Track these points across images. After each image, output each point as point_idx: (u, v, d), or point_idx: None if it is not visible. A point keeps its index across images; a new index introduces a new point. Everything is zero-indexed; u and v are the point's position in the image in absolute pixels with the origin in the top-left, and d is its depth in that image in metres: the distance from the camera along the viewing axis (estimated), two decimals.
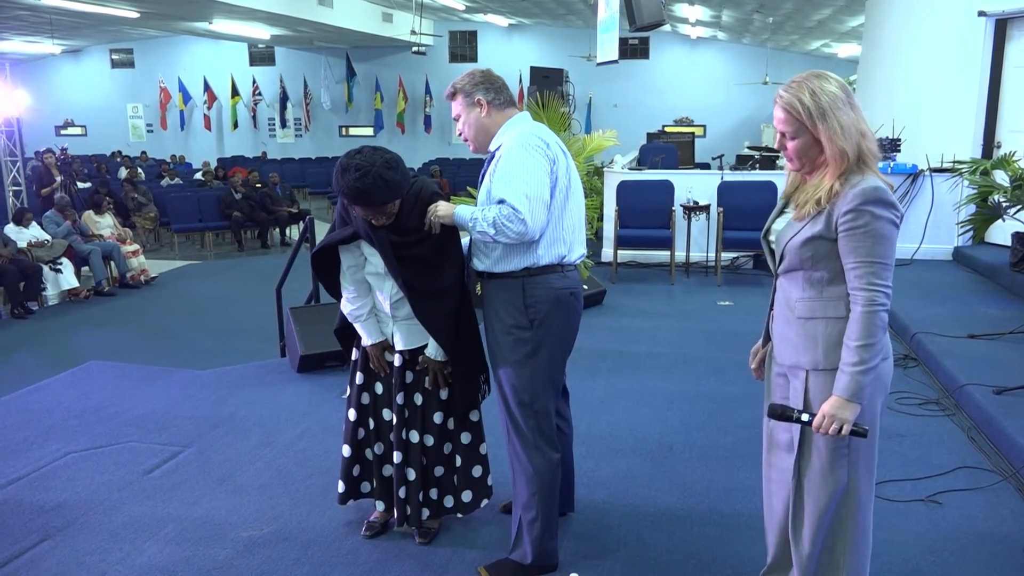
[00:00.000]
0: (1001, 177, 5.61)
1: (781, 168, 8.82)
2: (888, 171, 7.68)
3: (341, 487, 2.97)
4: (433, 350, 2.75)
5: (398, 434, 2.82)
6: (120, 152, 20.45)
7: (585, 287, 6.30)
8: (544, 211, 2.48)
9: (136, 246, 9.49)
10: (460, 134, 2.70)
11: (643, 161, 8.78)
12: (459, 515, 2.98)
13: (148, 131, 23.37)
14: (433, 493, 2.91)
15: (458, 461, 2.91)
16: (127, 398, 4.59)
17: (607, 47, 8.17)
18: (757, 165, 8.55)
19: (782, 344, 2.07)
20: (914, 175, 7.69)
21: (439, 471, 2.90)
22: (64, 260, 8.34)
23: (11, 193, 10.35)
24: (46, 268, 8.07)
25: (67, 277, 8.27)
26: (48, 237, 8.53)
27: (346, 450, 2.95)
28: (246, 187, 12.25)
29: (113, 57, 23.13)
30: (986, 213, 5.48)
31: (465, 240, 2.72)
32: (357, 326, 2.84)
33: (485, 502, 2.98)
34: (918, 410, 4.15)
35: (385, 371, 2.86)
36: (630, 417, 4.15)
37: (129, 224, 11.33)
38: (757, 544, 2.78)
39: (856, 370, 1.88)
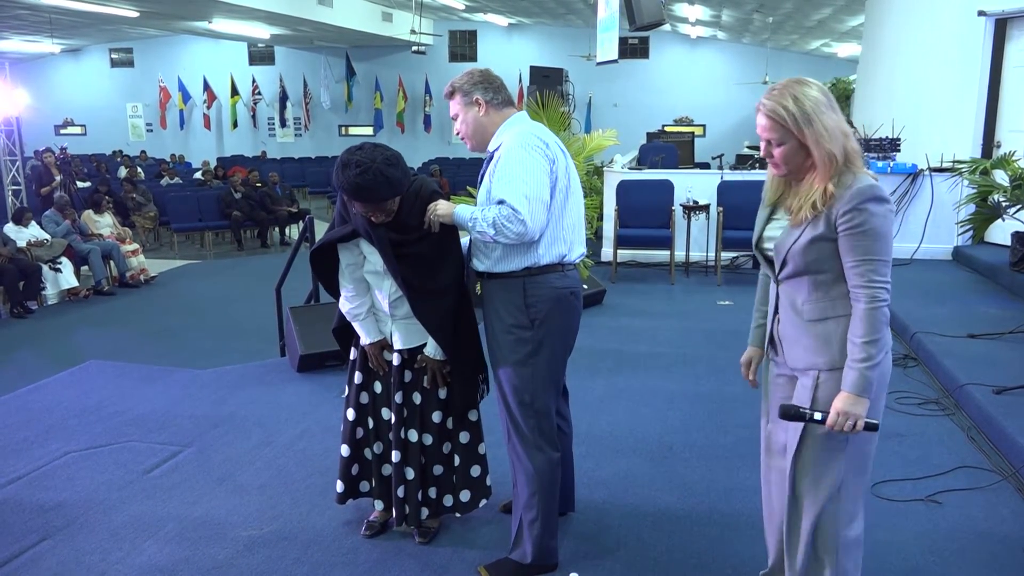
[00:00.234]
0: (1001, 177, 5.61)
1: None
2: (888, 171, 7.69)
3: (340, 487, 2.97)
4: (432, 349, 2.75)
5: (397, 433, 2.82)
6: (120, 151, 20.44)
7: (585, 287, 6.31)
8: (544, 212, 2.48)
9: (136, 245, 9.49)
10: (458, 133, 2.70)
11: (643, 161, 8.78)
12: (457, 514, 2.98)
13: (148, 130, 23.36)
14: (432, 492, 2.90)
15: (457, 460, 2.91)
16: (127, 398, 4.59)
17: (607, 47, 8.17)
18: (757, 165, 8.54)
19: (794, 349, 2.06)
20: (914, 175, 7.69)
21: (438, 470, 2.90)
22: (64, 259, 8.34)
23: (10, 192, 10.35)
24: (45, 267, 8.07)
25: (67, 276, 8.26)
26: (47, 236, 8.52)
27: (344, 450, 2.94)
28: (246, 186, 12.25)
29: (113, 56, 23.12)
30: (986, 213, 5.48)
31: (465, 240, 2.72)
32: (356, 325, 2.84)
33: (484, 502, 2.97)
34: (918, 410, 4.15)
35: (384, 370, 2.86)
36: (630, 417, 4.15)
37: (129, 223, 11.33)
38: (757, 544, 2.78)
39: (864, 366, 1.91)
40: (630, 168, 8.56)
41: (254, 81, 22.29)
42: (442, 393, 2.83)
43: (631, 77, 19.62)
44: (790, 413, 1.99)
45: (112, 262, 8.95)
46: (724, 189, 7.79)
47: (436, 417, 2.84)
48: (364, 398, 2.93)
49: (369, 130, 21.59)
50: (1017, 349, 4.68)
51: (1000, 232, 6.90)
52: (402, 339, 2.80)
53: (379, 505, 2.97)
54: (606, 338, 5.64)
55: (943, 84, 8.07)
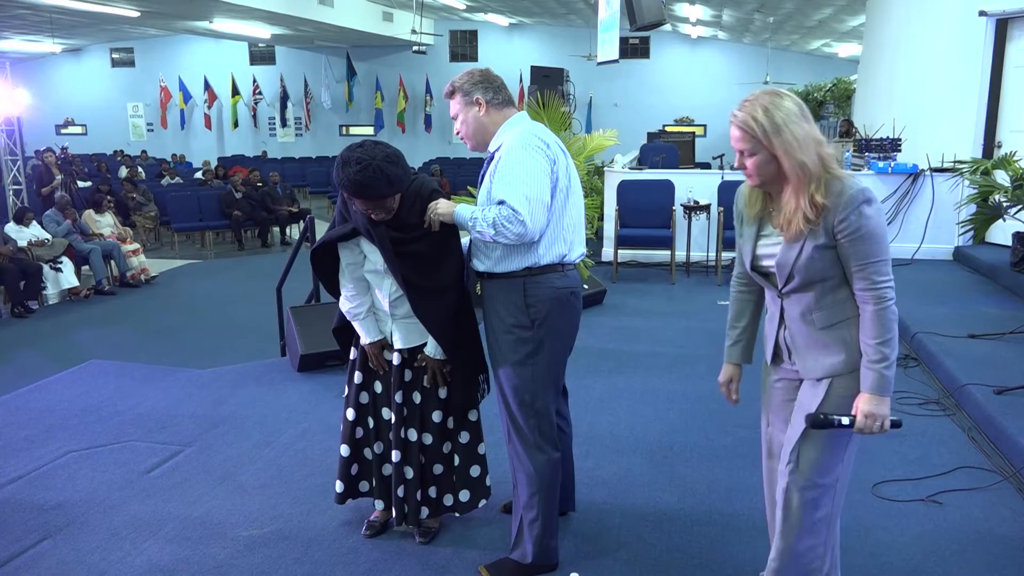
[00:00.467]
0: (1002, 177, 5.61)
1: None
2: (889, 171, 7.69)
3: (339, 487, 2.97)
4: (432, 348, 2.75)
5: (397, 433, 2.82)
6: (121, 151, 20.45)
7: (585, 287, 6.31)
8: (544, 212, 2.47)
9: (136, 245, 9.50)
10: (458, 133, 2.70)
11: (643, 161, 8.78)
12: (457, 514, 2.98)
13: (148, 130, 23.38)
14: (432, 491, 2.90)
15: (456, 460, 2.91)
16: (127, 397, 4.59)
17: (608, 46, 8.19)
18: None
19: (810, 358, 2.06)
20: (915, 175, 7.69)
21: (438, 469, 2.90)
22: (64, 259, 8.35)
23: (11, 192, 10.36)
24: (46, 267, 8.07)
25: (67, 276, 8.27)
26: (48, 236, 8.53)
27: (344, 449, 2.95)
28: (246, 186, 12.26)
29: (113, 56, 23.14)
30: (987, 213, 5.48)
31: (465, 240, 2.72)
32: (356, 324, 2.84)
33: (483, 502, 2.97)
34: (918, 410, 4.15)
35: (384, 370, 2.86)
36: (630, 416, 4.15)
37: (129, 223, 11.34)
38: (758, 544, 2.79)
39: (882, 366, 1.94)
40: (631, 168, 8.56)
41: (255, 81, 22.30)
42: (442, 393, 2.83)
43: (632, 77, 19.64)
44: (819, 422, 1.98)
45: (113, 262, 8.96)
46: (724, 189, 7.79)
47: (436, 417, 2.84)
48: (364, 398, 2.93)
49: (370, 130, 21.60)
50: (1018, 349, 4.67)
51: (1001, 232, 6.90)
52: (402, 338, 2.80)
53: (379, 505, 2.97)
54: (606, 338, 5.64)
55: (944, 84, 8.07)
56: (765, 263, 2.07)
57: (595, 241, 8.32)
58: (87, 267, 8.72)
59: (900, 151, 7.90)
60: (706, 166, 10.11)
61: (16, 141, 10.61)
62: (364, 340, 2.84)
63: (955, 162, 6.96)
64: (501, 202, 2.43)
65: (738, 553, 2.83)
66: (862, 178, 8.09)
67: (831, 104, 15.33)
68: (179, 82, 22.41)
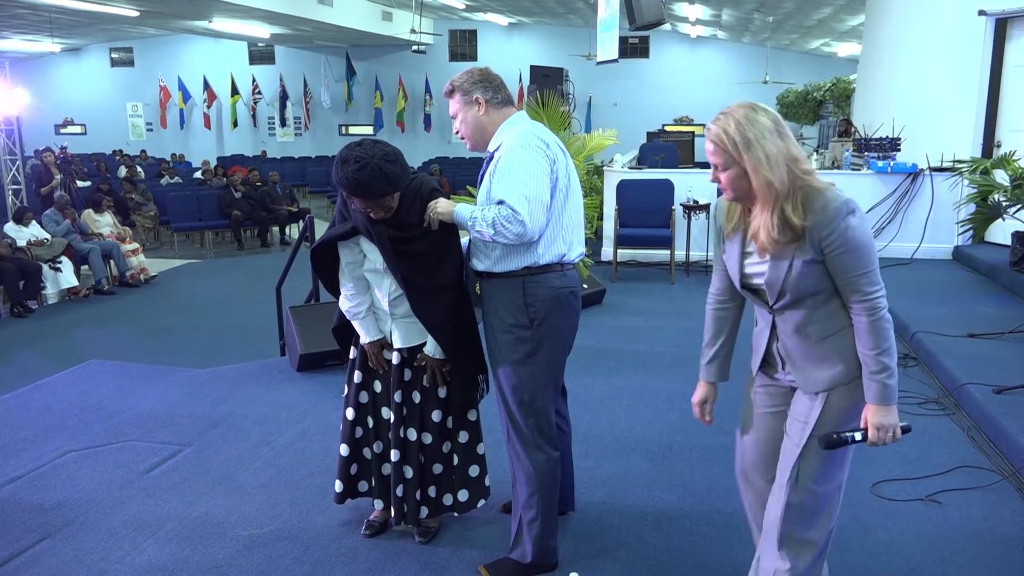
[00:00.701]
0: (1001, 176, 5.61)
1: None
2: (888, 170, 7.69)
3: (338, 486, 2.97)
4: (431, 348, 2.75)
5: (396, 432, 2.82)
6: (120, 151, 20.45)
7: (585, 286, 6.31)
8: (543, 212, 2.47)
9: (135, 245, 9.50)
10: (457, 132, 2.70)
11: (643, 160, 8.78)
12: (456, 514, 2.98)
13: (148, 130, 23.38)
14: (431, 491, 2.90)
15: (455, 460, 2.91)
16: (127, 397, 4.59)
17: (607, 46, 8.18)
18: None
19: (809, 372, 2.03)
20: (914, 174, 7.69)
21: (437, 469, 2.90)
22: (64, 259, 8.35)
23: (11, 192, 10.36)
24: (46, 267, 8.07)
25: (67, 276, 8.27)
26: (48, 236, 8.53)
27: (344, 449, 2.94)
28: (246, 186, 12.25)
29: (113, 56, 23.13)
30: (986, 212, 5.48)
31: (465, 240, 2.71)
32: (355, 324, 2.84)
33: (482, 502, 2.97)
34: (918, 409, 4.15)
35: (383, 369, 2.86)
36: (630, 416, 4.15)
37: (129, 223, 11.34)
38: None
39: (884, 376, 1.92)
40: (630, 167, 8.56)
41: (254, 80, 22.30)
42: (441, 392, 2.83)
43: (631, 76, 19.64)
44: (833, 442, 1.96)
45: (112, 261, 8.96)
46: None
47: (435, 416, 2.84)
48: (364, 397, 2.93)
49: (369, 129, 21.60)
50: (1017, 349, 4.68)
51: (1000, 232, 6.90)
52: (401, 338, 2.80)
53: (379, 504, 2.97)
54: (606, 337, 5.64)
55: (943, 84, 8.07)
56: (755, 281, 2.04)
57: (594, 241, 8.32)
58: (86, 267, 8.72)
59: (899, 150, 7.90)
60: (706, 166, 10.07)
61: (15, 141, 10.61)
62: (363, 339, 2.83)
63: (954, 161, 6.96)
64: (500, 202, 2.43)
65: (738, 553, 2.83)
66: (862, 178, 8.10)
67: (830, 104, 15.32)
68: (178, 82, 22.41)
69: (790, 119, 17.05)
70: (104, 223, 9.56)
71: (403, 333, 2.80)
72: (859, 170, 8.00)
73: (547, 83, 7.76)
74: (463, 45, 21.15)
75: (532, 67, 8.44)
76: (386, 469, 2.92)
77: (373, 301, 2.84)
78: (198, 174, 15.96)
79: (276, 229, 12.49)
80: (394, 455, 2.84)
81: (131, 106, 23.30)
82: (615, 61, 8.08)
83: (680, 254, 7.95)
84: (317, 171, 18.24)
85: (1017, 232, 6.14)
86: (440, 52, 20.84)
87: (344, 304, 2.84)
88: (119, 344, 6.26)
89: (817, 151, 11.04)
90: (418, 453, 2.85)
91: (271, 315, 5.46)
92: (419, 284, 2.66)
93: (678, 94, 19.75)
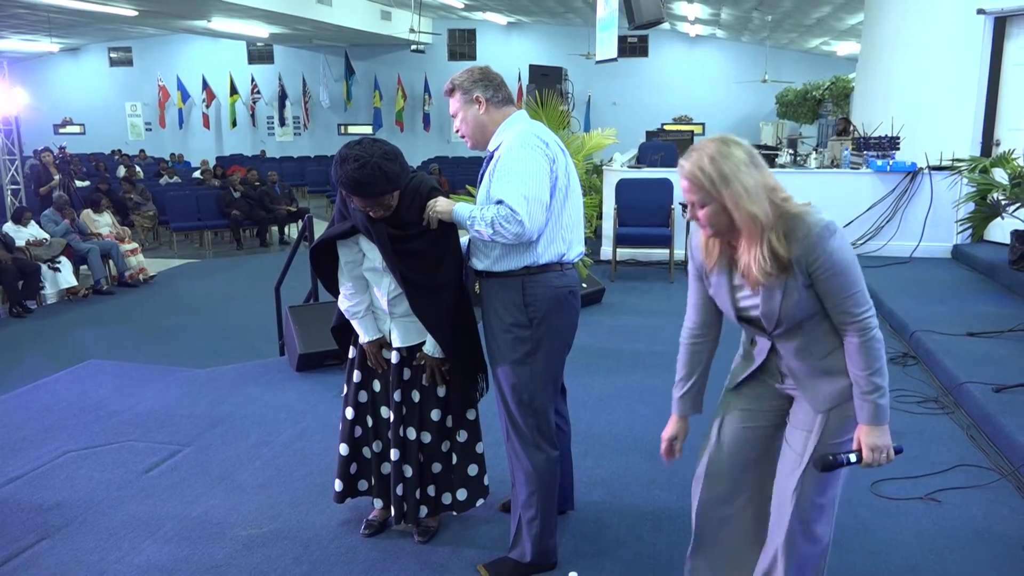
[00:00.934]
0: (1000, 175, 5.62)
1: (781, 166, 8.82)
2: (887, 169, 7.69)
3: (338, 486, 2.97)
4: (431, 347, 2.75)
5: (395, 431, 2.82)
6: (119, 151, 20.44)
7: (584, 285, 6.31)
8: (542, 212, 2.47)
9: (134, 245, 9.50)
10: (458, 131, 2.69)
11: (642, 159, 8.79)
12: (455, 513, 2.98)
13: (147, 129, 23.37)
14: (431, 490, 2.90)
15: (455, 459, 2.91)
16: (126, 397, 4.59)
17: (606, 45, 8.18)
18: None
19: (818, 387, 2.02)
20: (913, 173, 7.69)
21: (437, 468, 2.90)
22: (63, 259, 8.35)
23: (9, 192, 10.35)
24: (45, 267, 8.07)
25: (66, 276, 8.27)
26: (47, 236, 8.53)
27: (343, 448, 2.94)
28: (245, 185, 12.25)
29: (111, 55, 23.12)
30: (985, 211, 5.48)
31: (464, 239, 2.71)
32: (354, 323, 2.84)
33: (481, 501, 2.97)
34: (917, 408, 4.15)
35: (383, 368, 2.86)
36: (629, 415, 4.15)
37: (127, 223, 11.33)
38: None
39: (876, 396, 1.92)
40: (629, 167, 8.56)
41: (253, 80, 22.29)
42: (441, 391, 2.83)
43: (630, 76, 19.64)
44: (828, 465, 1.96)
45: (111, 261, 8.95)
46: None
47: (435, 415, 2.84)
48: (363, 396, 2.92)
49: (368, 129, 21.61)
50: (1016, 347, 4.68)
51: (999, 230, 6.90)
52: (401, 337, 2.80)
53: (378, 504, 2.97)
54: (605, 337, 5.64)
55: (942, 82, 8.07)
56: (752, 313, 2.02)
57: (594, 240, 8.32)
58: (85, 267, 8.71)
59: (899, 149, 7.90)
60: None
61: (14, 141, 10.60)
62: (363, 339, 2.83)
63: (953, 160, 6.96)
64: (500, 201, 2.43)
65: None
66: (861, 177, 8.10)
67: (829, 103, 15.33)
68: (177, 81, 22.40)
69: (789, 118, 17.07)
70: (103, 223, 9.55)
71: (402, 332, 2.79)
72: (858, 169, 8.00)
73: (546, 82, 7.75)
74: (462, 44, 21.15)
75: (531, 66, 8.43)
76: (385, 468, 2.92)
77: (372, 300, 2.84)
78: (197, 174, 15.95)
79: (275, 229, 12.48)
80: (393, 454, 2.83)
81: (130, 106, 23.29)
82: (614, 60, 8.08)
83: (679, 253, 7.94)
84: (316, 171, 18.23)
85: (1016, 231, 6.14)
86: (439, 51, 20.84)
87: (343, 303, 2.84)
88: (118, 344, 6.26)
89: (816, 150, 11.03)
90: (417, 452, 2.84)
91: (270, 315, 5.45)
92: (418, 283, 2.66)
93: (677, 93, 19.75)
